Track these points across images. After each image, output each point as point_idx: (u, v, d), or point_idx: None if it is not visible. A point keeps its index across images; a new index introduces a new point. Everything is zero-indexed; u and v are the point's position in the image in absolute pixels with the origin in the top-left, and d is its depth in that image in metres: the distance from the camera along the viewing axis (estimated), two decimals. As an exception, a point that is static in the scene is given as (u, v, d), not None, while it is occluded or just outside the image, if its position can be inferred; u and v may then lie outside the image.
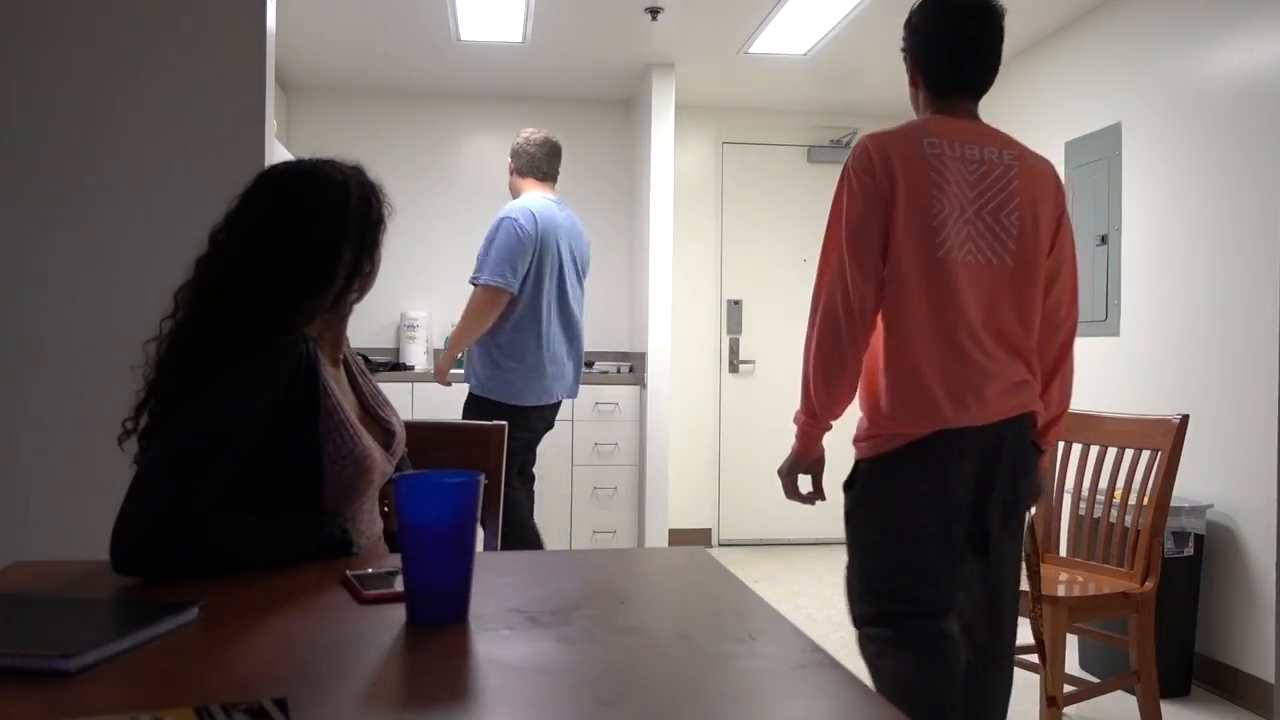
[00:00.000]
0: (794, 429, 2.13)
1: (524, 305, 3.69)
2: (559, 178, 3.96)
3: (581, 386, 4.06)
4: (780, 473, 2.15)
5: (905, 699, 1.95)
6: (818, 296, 2.05)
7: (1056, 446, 3.10)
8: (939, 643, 2.00)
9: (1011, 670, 2.20)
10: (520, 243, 3.64)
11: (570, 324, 3.83)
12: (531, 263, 3.68)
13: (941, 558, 2.02)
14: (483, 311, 3.66)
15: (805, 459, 2.12)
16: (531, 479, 3.90)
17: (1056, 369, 2.16)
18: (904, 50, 2.19)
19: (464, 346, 3.79)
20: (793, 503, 2.17)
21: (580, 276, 3.91)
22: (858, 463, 2.08)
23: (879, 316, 2.04)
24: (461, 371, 3.96)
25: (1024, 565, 2.27)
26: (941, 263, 1.99)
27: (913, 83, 2.18)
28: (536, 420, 3.79)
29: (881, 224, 2.00)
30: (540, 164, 3.86)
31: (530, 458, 3.88)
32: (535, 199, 3.79)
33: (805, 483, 2.14)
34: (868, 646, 2.06)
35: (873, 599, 2.06)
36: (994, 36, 2.10)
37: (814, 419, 2.07)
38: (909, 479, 2.01)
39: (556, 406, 3.90)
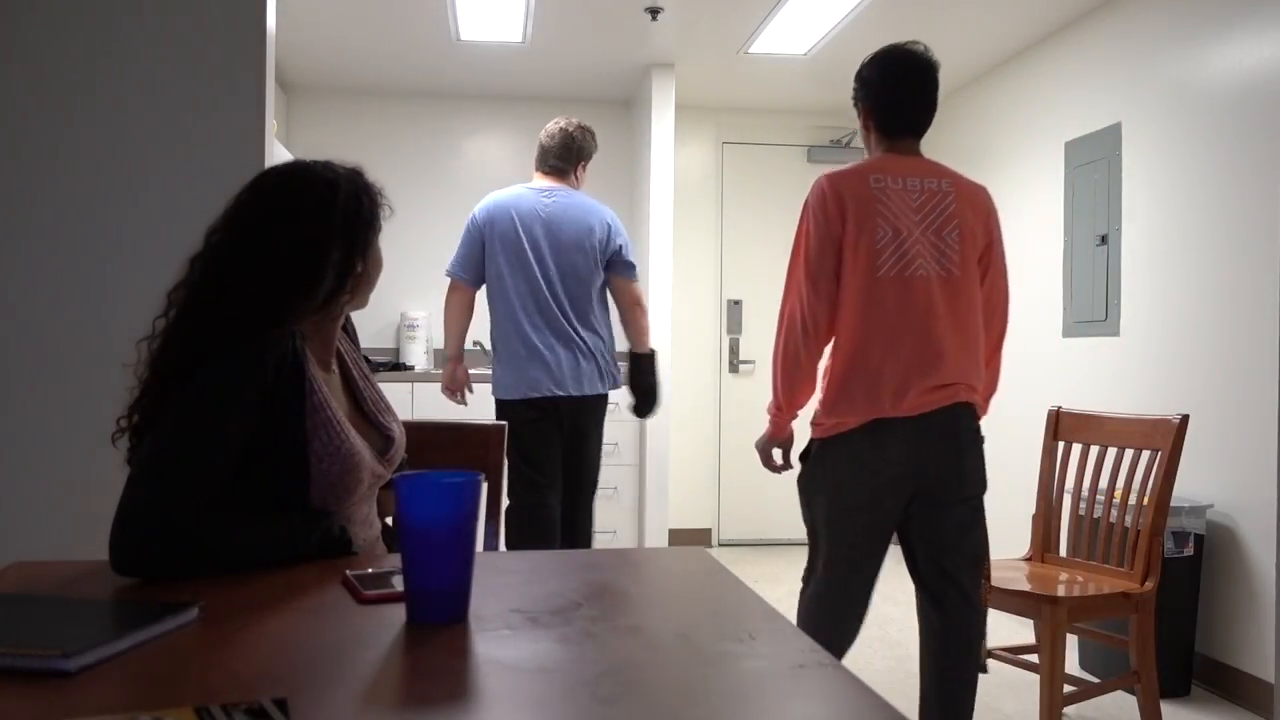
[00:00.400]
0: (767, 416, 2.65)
1: (493, 294, 3.74)
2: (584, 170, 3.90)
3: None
4: (757, 447, 2.67)
5: (818, 610, 2.54)
6: (782, 314, 2.53)
7: (1058, 449, 3.20)
8: (852, 577, 2.53)
9: (975, 618, 2.53)
10: (468, 233, 3.76)
11: (549, 312, 3.68)
12: (485, 251, 3.72)
13: (868, 520, 2.48)
14: (446, 303, 3.84)
15: (776, 439, 2.63)
16: (532, 484, 3.64)
17: (988, 363, 2.61)
18: (855, 100, 2.59)
19: (449, 343, 3.85)
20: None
21: (573, 263, 3.70)
22: (811, 439, 2.56)
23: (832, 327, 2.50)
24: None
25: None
26: (881, 282, 2.41)
27: (864, 126, 2.59)
28: (532, 414, 3.63)
29: (835, 253, 2.44)
30: (547, 156, 3.84)
31: (530, 464, 3.65)
32: (510, 188, 3.81)
33: (778, 455, 2.65)
34: (806, 573, 2.61)
35: (814, 541, 2.59)
36: (933, 87, 2.54)
37: (780, 411, 2.58)
38: (846, 459, 2.47)
39: (567, 402, 3.69)
